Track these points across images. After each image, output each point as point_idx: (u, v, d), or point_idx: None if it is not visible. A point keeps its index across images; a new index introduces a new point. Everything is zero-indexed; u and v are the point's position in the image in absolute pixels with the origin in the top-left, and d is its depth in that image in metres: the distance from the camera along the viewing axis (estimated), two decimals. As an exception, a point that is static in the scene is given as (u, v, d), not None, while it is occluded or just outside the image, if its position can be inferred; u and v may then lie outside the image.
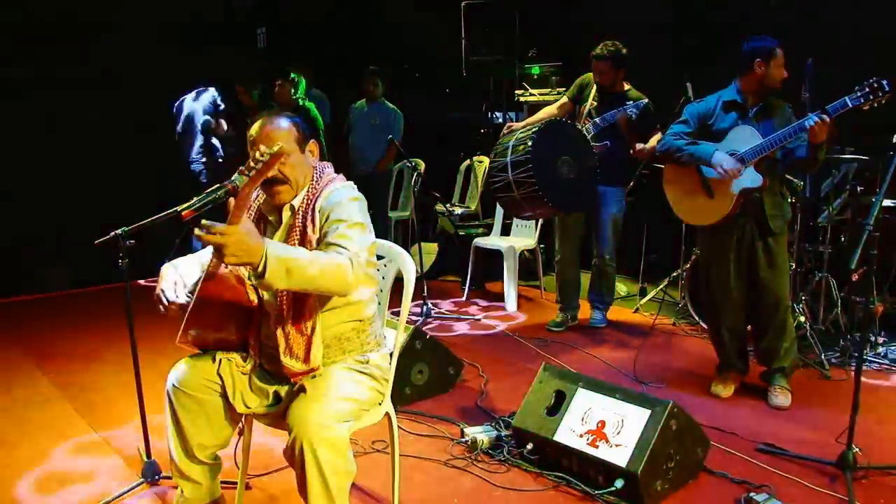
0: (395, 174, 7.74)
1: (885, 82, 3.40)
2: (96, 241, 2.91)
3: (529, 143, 4.55)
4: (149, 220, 2.85)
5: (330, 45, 8.55)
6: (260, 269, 2.05)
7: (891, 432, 3.74)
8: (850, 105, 3.52)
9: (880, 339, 4.91)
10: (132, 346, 3.13)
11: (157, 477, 3.19)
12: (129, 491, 3.13)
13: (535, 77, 7.43)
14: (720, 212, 3.98)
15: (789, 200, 4.29)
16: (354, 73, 7.36)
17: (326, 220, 2.42)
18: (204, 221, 2.01)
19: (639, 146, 5.11)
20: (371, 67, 7.17)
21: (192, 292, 2.46)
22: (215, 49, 7.80)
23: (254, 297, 2.50)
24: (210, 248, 2.70)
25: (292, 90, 6.76)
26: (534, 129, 4.68)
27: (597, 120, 5.12)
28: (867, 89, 3.46)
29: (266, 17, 9.03)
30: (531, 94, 7.31)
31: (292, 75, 6.74)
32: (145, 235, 2.94)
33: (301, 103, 6.75)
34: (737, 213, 3.95)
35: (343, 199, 2.47)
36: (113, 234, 2.91)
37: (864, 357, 4.63)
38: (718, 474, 3.24)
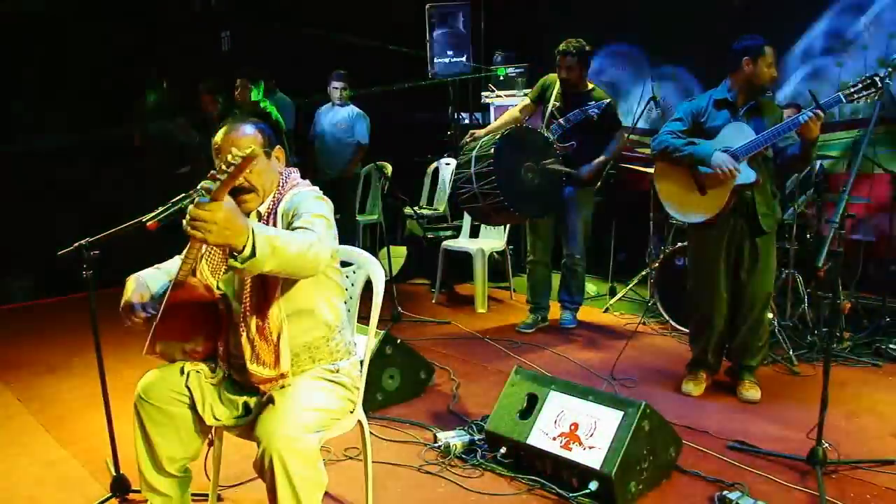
0: (362, 177, 7.70)
1: (877, 78, 3.43)
2: (59, 252, 2.86)
3: (491, 154, 4.55)
4: (113, 230, 2.80)
5: (295, 47, 8.48)
6: (248, 250, 1.98)
7: (859, 427, 3.78)
8: (845, 101, 3.56)
9: (846, 335, 4.97)
10: (98, 357, 3.07)
11: (126, 491, 3.13)
12: (97, 506, 3.08)
13: (501, 78, 7.43)
14: (712, 208, 3.99)
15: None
16: (320, 76, 7.31)
17: (292, 217, 2.39)
18: (198, 200, 1.94)
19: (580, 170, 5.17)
20: (337, 71, 7.13)
21: (158, 304, 2.42)
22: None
23: (222, 306, 2.47)
24: (175, 260, 2.68)
25: (253, 91, 6.71)
26: (495, 140, 4.67)
27: (561, 121, 5.13)
28: (860, 85, 3.49)
29: (231, 19, 8.96)
30: (497, 96, 7.31)
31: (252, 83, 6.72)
32: (110, 245, 2.89)
33: (262, 105, 6.71)
34: (728, 211, 3.97)
35: (307, 198, 2.45)
36: (77, 244, 2.86)
37: (834, 353, 4.68)
38: (691, 473, 3.26)
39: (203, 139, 6.82)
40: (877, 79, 3.43)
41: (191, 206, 1.94)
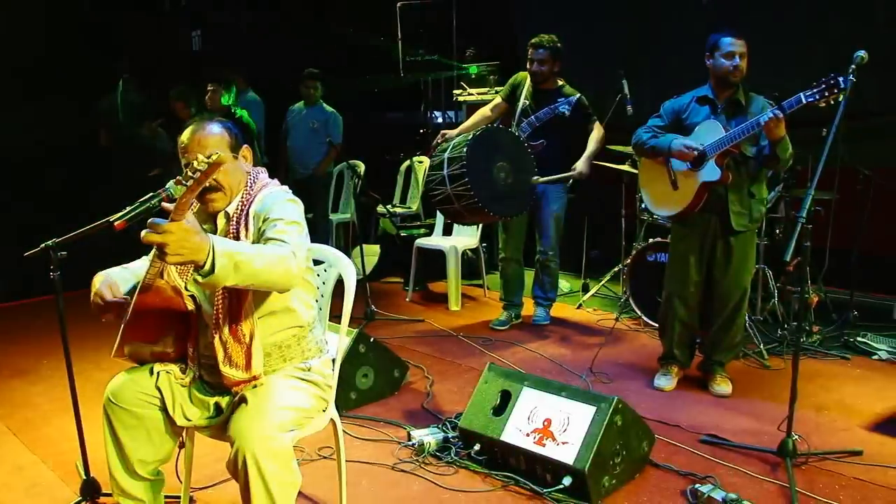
0: (335, 176, 7.68)
1: (841, 79, 3.39)
2: (26, 253, 2.82)
3: (463, 156, 4.55)
4: (80, 230, 2.76)
5: (266, 47, 8.44)
6: (208, 265, 1.98)
7: (828, 418, 3.84)
8: (805, 101, 3.52)
9: (815, 328, 5.03)
10: (67, 359, 3.03)
11: (96, 495, 3.09)
12: (67, 510, 3.04)
13: (473, 76, 7.43)
14: (681, 204, 4.03)
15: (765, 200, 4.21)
16: (292, 75, 7.28)
17: (264, 221, 2.38)
18: (150, 220, 1.94)
19: (576, 173, 5.15)
20: (309, 70, 7.10)
21: (126, 304, 2.39)
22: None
23: (191, 307, 2.45)
24: (143, 261, 2.66)
25: (224, 95, 6.66)
26: (467, 141, 4.67)
27: (531, 119, 5.13)
28: (823, 86, 3.45)
29: (201, 19, 8.90)
30: (469, 94, 7.31)
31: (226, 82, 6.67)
32: (77, 246, 2.85)
33: (233, 109, 6.66)
34: (699, 207, 3.99)
35: (279, 200, 2.44)
36: (43, 245, 2.82)
37: (803, 346, 4.74)
38: (664, 467, 3.29)
39: (173, 146, 6.77)
40: (840, 80, 3.43)
41: (144, 231, 1.92)
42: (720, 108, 3.99)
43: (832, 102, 3.46)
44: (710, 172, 3.89)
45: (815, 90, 3.49)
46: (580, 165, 5.15)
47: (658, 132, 4.10)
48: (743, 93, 3.98)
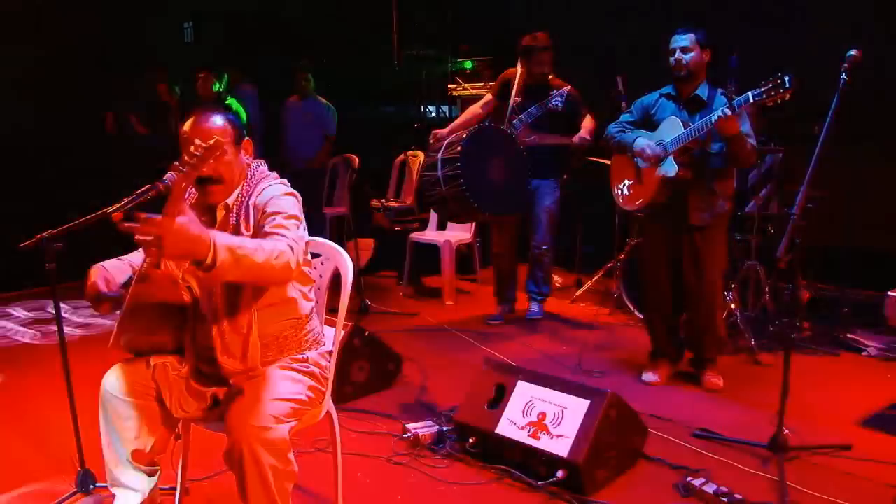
0: (330, 170, 7.67)
1: (786, 78, 3.41)
2: (21, 244, 2.82)
3: (458, 157, 4.55)
4: (76, 221, 2.76)
5: (260, 39, 8.43)
6: (209, 260, 1.99)
7: (819, 413, 3.86)
8: (752, 100, 3.55)
9: (805, 324, 5.06)
10: (62, 350, 3.03)
11: (91, 486, 3.10)
12: (62, 501, 3.03)
13: (468, 71, 7.44)
14: (642, 198, 4.09)
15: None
16: (286, 67, 7.28)
17: (262, 214, 2.39)
18: (142, 214, 1.94)
19: (577, 138, 5.16)
20: (302, 62, 7.09)
21: (122, 295, 2.40)
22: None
23: (188, 298, 2.45)
24: (139, 252, 2.66)
25: (216, 83, 6.67)
26: (461, 140, 4.66)
27: (522, 116, 5.14)
28: (770, 85, 3.48)
29: (193, 10, 8.88)
30: (464, 89, 7.32)
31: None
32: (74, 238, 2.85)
33: (223, 97, 6.66)
34: (660, 202, 4.02)
35: (278, 193, 2.45)
36: (38, 236, 2.82)
37: (794, 342, 4.77)
38: (657, 461, 3.31)
39: (160, 131, 6.78)
40: (786, 79, 3.45)
41: (136, 225, 1.93)
42: (682, 103, 4.03)
43: (779, 101, 3.49)
44: (668, 168, 3.93)
45: (761, 88, 3.52)
46: (579, 134, 5.16)
47: (627, 128, 4.16)
48: (708, 88, 4.01)
